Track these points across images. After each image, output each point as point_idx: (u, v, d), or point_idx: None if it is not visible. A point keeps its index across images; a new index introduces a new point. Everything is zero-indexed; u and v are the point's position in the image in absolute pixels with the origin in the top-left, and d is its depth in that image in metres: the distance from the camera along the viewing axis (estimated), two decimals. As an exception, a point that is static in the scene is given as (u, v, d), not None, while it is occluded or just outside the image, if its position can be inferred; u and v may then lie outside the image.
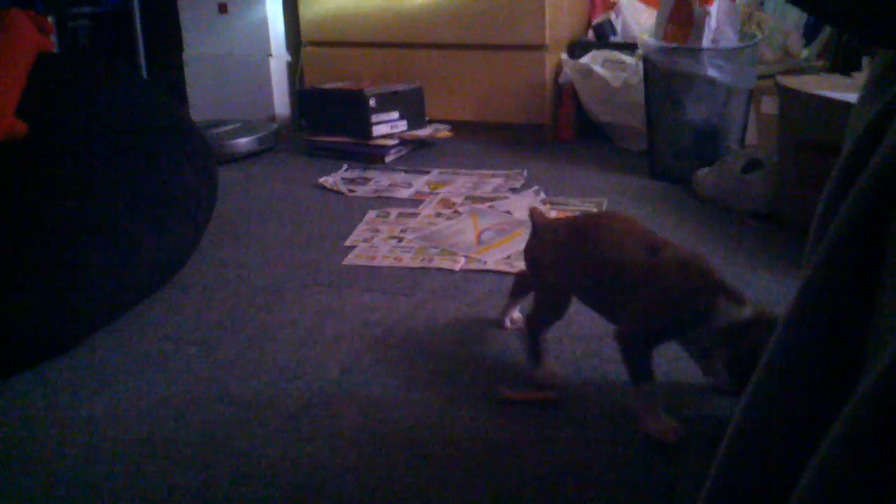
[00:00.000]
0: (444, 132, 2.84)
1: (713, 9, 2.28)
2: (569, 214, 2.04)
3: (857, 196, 0.56)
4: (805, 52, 2.64)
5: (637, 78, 2.59)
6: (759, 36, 2.45)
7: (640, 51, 2.52)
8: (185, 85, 3.18)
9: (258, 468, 1.12)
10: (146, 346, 1.48)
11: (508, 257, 1.82)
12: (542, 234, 1.34)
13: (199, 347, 1.47)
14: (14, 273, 1.41)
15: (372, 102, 2.68)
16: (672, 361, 1.33)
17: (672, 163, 2.39)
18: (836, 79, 2.11)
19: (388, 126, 2.71)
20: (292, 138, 2.99)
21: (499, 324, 1.51)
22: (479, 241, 1.92)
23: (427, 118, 2.86)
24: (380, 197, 2.31)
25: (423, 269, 1.79)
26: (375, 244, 1.94)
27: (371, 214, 2.15)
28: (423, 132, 2.80)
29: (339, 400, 1.29)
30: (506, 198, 2.24)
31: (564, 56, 2.89)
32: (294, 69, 3.18)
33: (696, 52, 2.26)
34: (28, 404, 1.30)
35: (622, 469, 1.10)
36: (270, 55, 3.08)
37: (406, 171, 2.56)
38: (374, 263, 1.83)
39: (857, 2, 0.57)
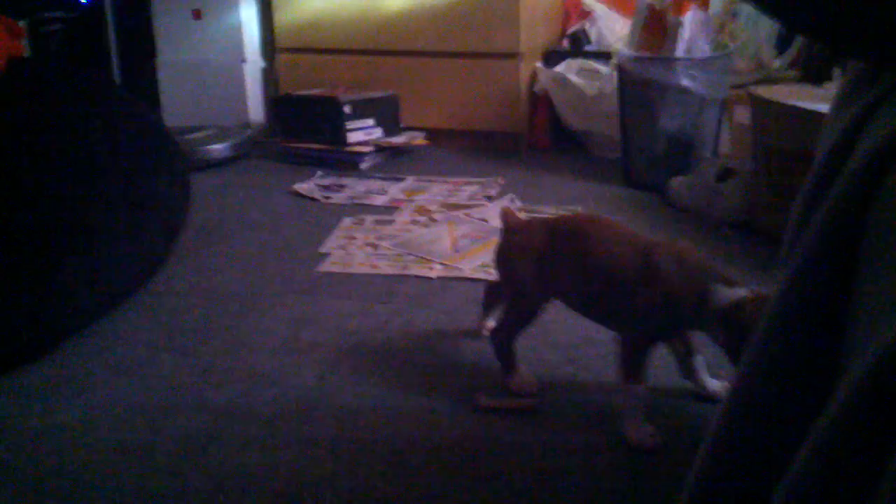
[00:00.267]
0: (419, 139, 2.84)
1: (687, 19, 2.31)
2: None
3: (831, 205, 0.57)
4: (777, 63, 2.67)
5: (611, 87, 2.61)
6: (732, 46, 2.48)
7: (614, 60, 2.54)
8: (159, 91, 3.16)
9: (234, 476, 1.11)
10: (120, 353, 1.47)
11: (485, 265, 1.82)
12: (516, 236, 1.32)
13: (173, 354, 1.46)
14: (-15, 279, 1.39)
15: (347, 109, 2.67)
16: (650, 366, 1.33)
17: (646, 171, 2.41)
18: (808, 89, 2.13)
19: (363, 133, 2.71)
20: (267, 145, 2.98)
21: (475, 333, 1.51)
22: (456, 249, 1.93)
23: (402, 125, 2.86)
24: (355, 204, 2.31)
25: (399, 276, 1.79)
26: (351, 251, 1.93)
27: (346, 221, 2.14)
28: (399, 139, 2.80)
29: (316, 407, 1.28)
30: (482, 205, 2.25)
31: (539, 65, 2.90)
32: (269, 75, 3.17)
33: (669, 61, 2.28)
34: (0, 412, 1.28)
35: (599, 476, 1.11)
36: (245, 61, 3.07)
37: (382, 179, 2.55)
38: (350, 271, 1.82)
39: (829, 13, 0.58)
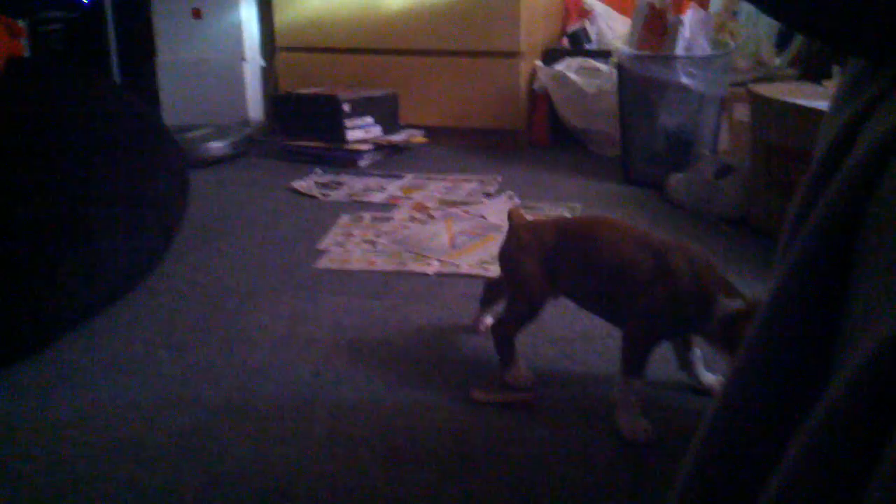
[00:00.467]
0: (418, 137, 2.84)
1: (687, 18, 2.30)
2: (547, 217, 2.04)
3: (829, 201, 0.57)
4: (777, 61, 2.67)
5: (611, 85, 2.61)
6: (732, 45, 2.48)
7: (614, 58, 2.54)
8: (158, 89, 3.16)
9: (229, 472, 1.11)
10: (116, 349, 1.47)
11: (482, 261, 1.82)
12: (521, 235, 1.32)
13: (169, 351, 1.45)
14: (-19, 275, 1.39)
15: (346, 108, 2.67)
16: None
17: (645, 168, 2.40)
18: (807, 87, 2.13)
19: (362, 131, 2.71)
20: (266, 143, 2.98)
21: (472, 329, 1.50)
22: (453, 246, 1.92)
23: (401, 123, 2.86)
24: (353, 201, 2.30)
25: (396, 272, 1.79)
26: (349, 248, 1.93)
27: (344, 218, 2.14)
28: (398, 137, 2.80)
29: (312, 403, 1.28)
30: (480, 202, 2.25)
31: (539, 63, 2.90)
32: (268, 74, 3.17)
33: (669, 59, 2.28)
34: (-5, 408, 1.28)
35: (594, 470, 1.10)
36: (244, 60, 3.07)
37: (380, 176, 2.55)
38: (348, 267, 1.82)
39: (828, 11, 0.58)
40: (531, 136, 2.94)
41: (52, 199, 1.55)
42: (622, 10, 3.08)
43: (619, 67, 2.42)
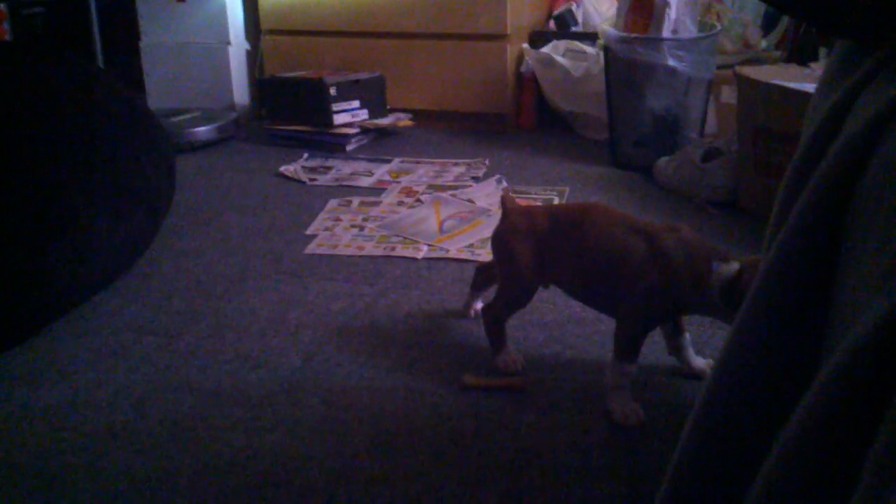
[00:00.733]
0: (405, 121, 2.83)
1: (673, 0, 2.30)
2: (538, 203, 2.04)
3: (816, 184, 0.57)
4: (763, 43, 2.67)
5: (598, 67, 2.60)
6: (718, 27, 2.48)
7: (601, 41, 2.53)
8: (143, 73, 3.14)
9: (220, 458, 1.11)
10: (105, 336, 1.46)
11: (471, 245, 1.82)
12: (515, 220, 1.32)
13: (159, 337, 1.45)
14: (-32, 263, 1.38)
15: (332, 91, 2.66)
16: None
17: (633, 152, 2.41)
18: (794, 69, 2.13)
19: (349, 115, 2.70)
20: (252, 127, 2.96)
21: (462, 314, 1.51)
22: (442, 230, 1.92)
23: (388, 107, 2.85)
24: (341, 185, 2.30)
25: (385, 257, 1.79)
26: (337, 233, 1.93)
27: (332, 203, 2.14)
28: (385, 121, 2.79)
29: (302, 389, 1.28)
30: (468, 186, 2.25)
31: (525, 46, 2.89)
32: (253, 58, 3.15)
33: (656, 42, 2.28)
34: (-16, 396, 1.28)
35: (585, 455, 1.11)
36: (229, 44, 3.05)
37: (367, 160, 2.55)
38: (337, 252, 1.82)
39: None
40: (518, 119, 2.93)
41: (37, 187, 1.54)
42: (609, -8, 3.08)
43: (606, 50, 2.42)
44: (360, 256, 1.79)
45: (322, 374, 1.32)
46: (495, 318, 1.33)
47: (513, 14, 2.79)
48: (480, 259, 1.75)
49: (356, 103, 2.73)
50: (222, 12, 3.03)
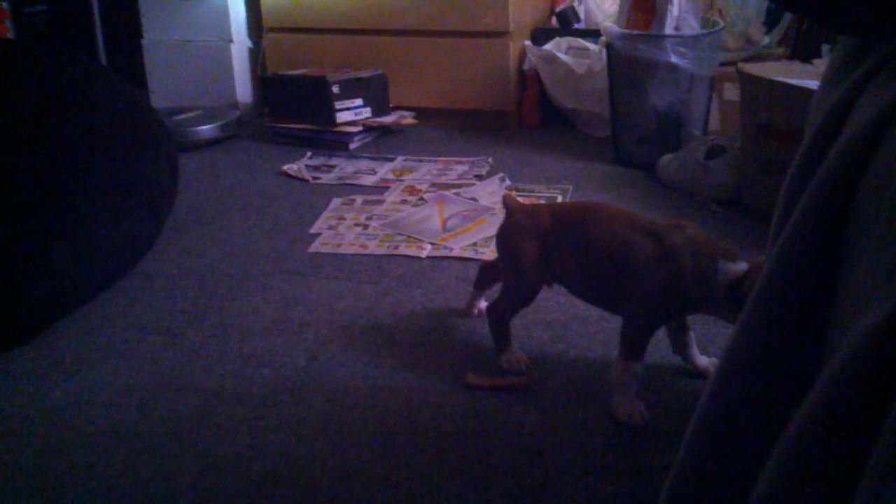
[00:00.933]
0: (408, 119, 2.83)
1: (675, -4, 2.29)
2: (542, 201, 2.04)
3: (818, 184, 0.57)
4: (766, 40, 2.66)
5: (601, 65, 2.60)
6: (721, 23, 2.47)
7: (603, 38, 2.52)
8: (145, 72, 3.14)
9: (224, 458, 1.11)
10: (109, 335, 1.46)
11: (474, 244, 1.82)
12: (519, 219, 1.32)
13: (163, 336, 1.45)
14: (-28, 263, 1.39)
15: (335, 89, 2.66)
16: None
17: (636, 149, 2.40)
18: (797, 66, 2.13)
19: (351, 113, 2.70)
20: (255, 125, 2.96)
21: (465, 313, 1.51)
22: (445, 228, 1.92)
23: (391, 105, 2.85)
24: (344, 184, 2.30)
25: (389, 256, 1.79)
26: (341, 232, 1.93)
27: (336, 202, 2.14)
28: (388, 119, 2.79)
29: (306, 388, 1.28)
30: (471, 184, 2.24)
31: (528, 43, 2.89)
32: (256, 56, 3.15)
33: (658, 39, 2.27)
34: (-12, 396, 1.28)
35: (589, 454, 1.11)
36: (232, 41, 3.04)
37: (371, 159, 2.55)
38: (340, 251, 1.82)
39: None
40: (521, 117, 2.93)
41: (40, 186, 1.54)
42: (611, -11, 3.07)
43: (608, 47, 2.41)
44: (364, 255, 1.79)
45: (326, 374, 1.32)
46: (500, 318, 1.33)
47: (515, 11, 2.78)
48: (484, 257, 1.75)
49: (359, 101, 2.72)
50: (224, 10, 3.02)
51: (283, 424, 1.19)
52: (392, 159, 2.52)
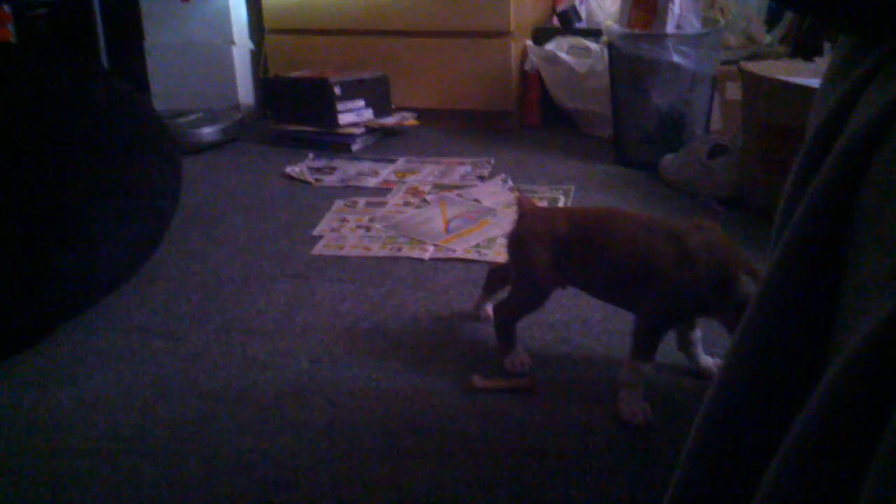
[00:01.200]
0: (410, 120, 2.83)
1: (677, -5, 2.29)
2: (545, 202, 2.04)
3: (820, 183, 0.57)
4: (767, 38, 2.66)
5: (602, 64, 2.60)
6: (722, 22, 2.47)
7: (604, 37, 2.52)
8: (147, 74, 3.14)
9: (228, 461, 1.11)
10: (113, 339, 1.46)
11: (478, 245, 1.82)
12: (533, 223, 1.30)
13: (166, 340, 1.45)
14: (-25, 268, 1.39)
15: (337, 90, 2.66)
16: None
17: (638, 149, 2.40)
18: (799, 64, 2.13)
19: (353, 114, 2.70)
20: (257, 127, 2.96)
21: (472, 315, 1.50)
22: (448, 230, 1.92)
23: (393, 106, 2.85)
24: (347, 186, 2.30)
25: (392, 258, 1.79)
26: (343, 234, 1.93)
27: (338, 204, 2.14)
28: (390, 120, 2.79)
29: (309, 391, 1.28)
30: (474, 185, 2.24)
31: (529, 43, 2.89)
32: (257, 58, 3.15)
33: (660, 38, 2.27)
34: (-8, 401, 1.28)
35: (593, 456, 1.11)
36: (233, 43, 3.05)
37: (373, 160, 2.55)
38: (343, 253, 1.82)
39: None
40: (523, 117, 2.93)
41: (44, 190, 1.54)
42: (612, -11, 3.07)
43: (610, 46, 2.41)
44: (367, 257, 1.79)
45: (329, 376, 1.32)
46: (506, 319, 1.33)
47: (516, 11, 2.78)
48: (487, 259, 1.75)
49: (361, 102, 2.72)
50: (226, 12, 3.02)
51: (286, 427, 1.19)
52: (394, 161, 2.52)
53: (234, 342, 1.44)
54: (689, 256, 1.15)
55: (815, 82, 1.78)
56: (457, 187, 2.23)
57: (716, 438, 0.64)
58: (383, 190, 2.25)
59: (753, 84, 1.97)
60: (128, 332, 1.49)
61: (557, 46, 2.80)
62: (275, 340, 1.44)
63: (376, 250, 1.82)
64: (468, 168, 2.41)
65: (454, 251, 1.80)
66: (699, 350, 1.29)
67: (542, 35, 2.92)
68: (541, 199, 2.11)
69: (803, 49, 2.40)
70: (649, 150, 2.35)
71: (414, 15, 2.86)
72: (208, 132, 2.74)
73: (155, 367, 1.37)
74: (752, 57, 2.47)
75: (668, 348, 1.32)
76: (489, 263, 1.67)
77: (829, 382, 0.47)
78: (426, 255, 1.78)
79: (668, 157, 2.25)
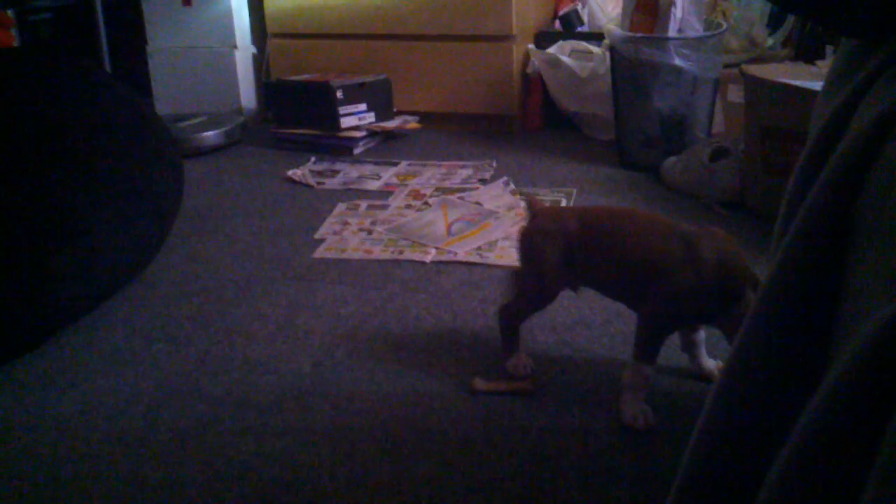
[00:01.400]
0: (412, 123, 2.83)
1: (679, -2, 2.29)
2: (548, 204, 2.04)
3: (821, 186, 0.57)
4: (770, 41, 2.66)
5: (604, 68, 2.60)
6: (724, 25, 2.47)
7: (606, 41, 2.53)
8: (150, 78, 3.14)
9: (230, 464, 1.11)
10: (115, 342, 1.47)
11: (479, 248, 1.82)
12: (543, 222, 1.30)
13: (168, 343, 1.45)
14: (-22, 271, 1.39)
15: (339, 94, 2.66)
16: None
17: (640, 152, 2.40)
18: (801, 67, 2.13)
19: (355, 118, 2.70)
20: (259, 131, 2.97)
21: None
22: (450, 233, 1.92)
23: (395, 109, 2.85)
24: (349, 189, 2.30)
25: (393, 261, 1.79)
26: (345, 237, 1.93)
27: (340, 207, 2.14)
28: (392, 124, 2.79)
29: (312, 394, 1.28)
30: (475, 188, 2.24)
31: (531, 46, 2.89)
32: (260, 61, 3.16)
33: (662, 41, 2.27)
34: (-5, 404, 1.28)
35: (595, 458, 1.11)
36: (236, 48, 3.05)
37: (375, 163, 2.55)
38: (345, 256, 1.82)
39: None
40: (525, 120, 2.93)
41: (45, 193, 1.54)
42: (614, -8, 3.07)
43: (612, 50, 2.42)
44: (369, 260, 1.79)
45: (331, 379, 1.32)
46: (511, 319, 1.32)
47: (518, 15, 2.78)
48: (489, 262, 1.75)
49: (363, 106, 2.73)
50: (228, 16, 3.03)
51: (288, 430, 1.19)
52: (396, 164, 2.52)
53: (236, 345, 1.44)
54: (698, 261, 1.14)
55: (816, 86, 1.78)
56: (459, 190, 2.23)
57: (718, 441, 0.64)
58: (385, 193, 2.25)
59: (755, 87, 1.97)
60: (129, 335, 1.49)
61: (559, 50, 2.80)
62: (276, 344, 1.44)
63: (378, 253, 1.82)
64: (470, 171, 2.41)
65: (456, 254, 1.80)
66: (702, 352, 1.29)
67: (544, 39, 2.92)
68: (543, 201, 2.11)
69: (805, 52, 2.40)
70: (651, 153, 2.35)
71: (416, 19, 2.87)
72: (211, 136, 2.74)
73: (156, 370, 1.37)
74: (755, 60, 2.47)
75: (670, 351, 1.32)
76: (495, 266, 1.67)
77: (830, 384, 0.46)
78: (428, 258, 1.78)
79: (670, 160, 2.25)
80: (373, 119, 2.74)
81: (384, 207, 2.12)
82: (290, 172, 2.44)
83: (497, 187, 2.24)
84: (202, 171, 2.50)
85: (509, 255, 1.77)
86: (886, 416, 0.42)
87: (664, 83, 2.31)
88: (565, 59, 2.75)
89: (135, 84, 2.69)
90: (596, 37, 2.83)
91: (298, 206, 2.18)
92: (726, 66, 2.39)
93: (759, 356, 0.61)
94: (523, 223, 1.34)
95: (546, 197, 2.15)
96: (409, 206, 2.12)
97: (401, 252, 1.82)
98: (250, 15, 3.11)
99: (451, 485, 1.06)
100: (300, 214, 2.10)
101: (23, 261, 1.44)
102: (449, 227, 1.96)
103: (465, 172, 2.40)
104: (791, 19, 2.64)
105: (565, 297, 1.44)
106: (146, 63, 3.14)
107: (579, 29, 2.96)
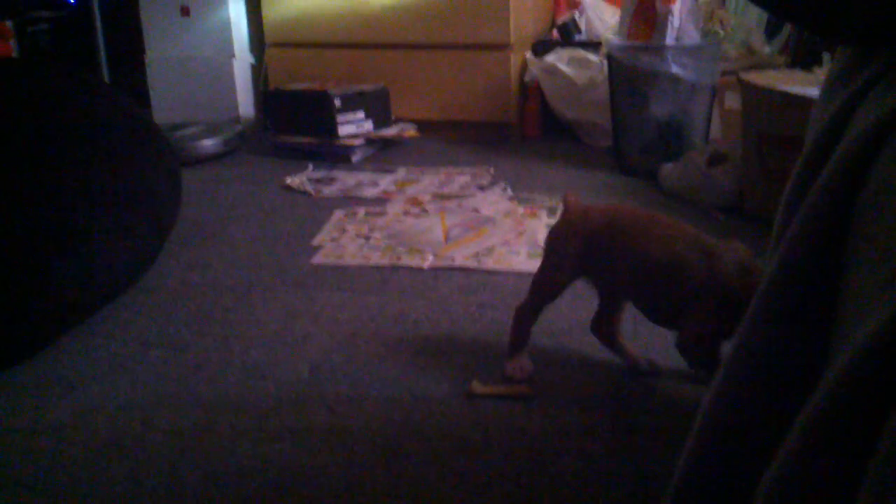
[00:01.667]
0: (410, 131, 2.84)
1: (676, 7, 2.30)
2: (543, 210, 2.05)
3: (818, 192, 0.57)
4: (767, 49, 2.67)
5: (602, 76, 2.61)
6: (722, 33, 2.48)
7: (604, 49, 2.54)
8: (149, 88, 3.15)
9: (228, 470, 1.11)
10: (112, 349, 1.46)
11: (477, 254, 1.82)
12: (570, 218, 1.31)
13: (166, 350, 1.45)
14: (-25, 278, 1.39)
15: (337, 102, 2.67)
16: (650, 347, 1.34)
17: (638, 158, 2.41)
18: (798, 74, 2.13)
19: (354, 126, 2.71)
20: (257, 139, 2.97)
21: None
22: (447, 239, 1.92)
23: (393, 117, 2.86)
24: (347, 196, 2.30)
25: (391, 267, 1.79)
26: (343, 243, 1.93)
27: (338, 214, 2.14)
28: (390, 131, 2.80)
29: (309, 399, 1.28)
30: (473, 195, 2.25)
31: (529, 55, 2.90)
32: (258, 71, 3.16)
33: (659, 49, 2.28)
34: (-8, 410, 1.28)
35: (592, 461, 1.11)
36: (234, 57, 3.06)
37: (373, 171, 2.55)
38: (343, 263, 1.82)
39: (817, 2, 0.58)
40: (523, 128, 2.94)
41: (44, 201, 1.54)
42: (611, 1, 3.08)
43: (610, 58, 2.42)
44: (366, 266, 1.79)
45: (329, 384, 1.32)
46: (526, 318, 1.32)
47: (516, 24, 2.79)
48: (486, 268, 1.75)
49: (361, 114, 2.73)
50: (227, 26, 3.04)
51: (285, 435, 1.18)
52: (394, 171, 2.53)
53: (234, 351, 1.44)
54: (718, 278, 1.13)
55: (813, 92, 1.78)
56: (456, 197, 2.23)
57: (715, 443, 0.64)
58: (383, 200, 2.25)
59: (753, 94, 1.98)
60: (127, 341, 1.49)
61: (557, 58, 2.81)
62: (274, 349, 1.44)
63: (376, 259, 1.82)
64: (468, 178, 2.42)
65: (453, 260, 1.80)
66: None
67: (542, 47, 2.93)
68: (540, 208, 2.11)
69: (802, 59, 2.41)
70: (649, 159, 2.36)
71: (414, 28, 2.88)
72: (209, 144, 2.75)
73: (154, 376, 1.36)
74: (752, 67, 2.48)
75: (670, 351, 1.32)
76: (493, 272, 1.67)
77: (828, 385, 0.47)
78: (425, 264, 1.79)
79: (668, 166, 2.25)
80: (371, 127, 2.75)
81: (382, 214, 2.12)
82: (288, 180, 2.45)
83: (495, 194, 2.25)
84: (200, 180, 2.51)
85: (507, 261, 1.77)
86: (884, 415, 0.42)
87: (662, 91, 2.31)
88: (563, 67, 2.76)
89: (133, 93, 2.70)
90: (594, 45, 2.84)
91: (296, 213, 2.18)
92: (724, 73, 2.40)
93: (758, 356, 0.61)
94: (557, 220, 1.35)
95: (544, 203, 2.15)
96: (406, 213, 2.12)
97: (398, 258, 1.82)
98: (248, 24, 3.12)
99: (448, 488, 1.06)
100: (298, 222, 2.10)
101: (22, 267, 1.44)
102: (446, 233, 1.96)
103: (462, 179, 2.40)
104: (788, 27, 2.65)
105: (564, 302, 1.44)
106: (145, 72, 3.15)
107: (577, 37, 2.97)
